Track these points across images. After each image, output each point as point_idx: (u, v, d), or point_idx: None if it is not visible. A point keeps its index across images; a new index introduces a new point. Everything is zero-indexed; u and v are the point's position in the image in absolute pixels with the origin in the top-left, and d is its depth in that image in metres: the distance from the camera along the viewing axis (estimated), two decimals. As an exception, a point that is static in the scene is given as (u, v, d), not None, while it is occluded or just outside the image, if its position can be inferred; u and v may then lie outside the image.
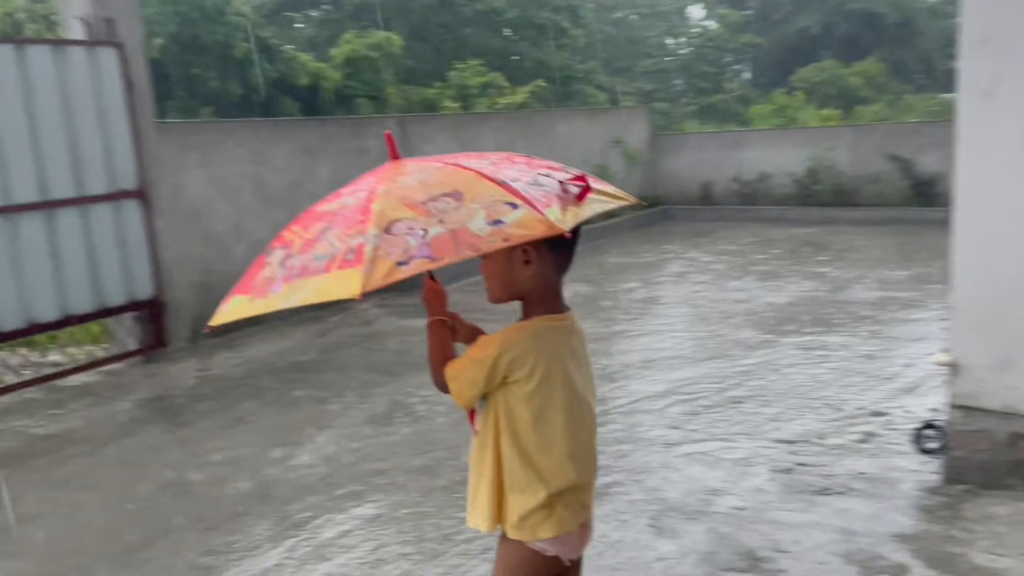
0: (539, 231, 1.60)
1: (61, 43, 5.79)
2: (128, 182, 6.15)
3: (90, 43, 5.92)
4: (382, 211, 1.58)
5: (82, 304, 5.85)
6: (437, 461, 4.10)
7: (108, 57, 6.00)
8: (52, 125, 5.67)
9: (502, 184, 1.66)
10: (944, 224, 3.60)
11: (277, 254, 1.68)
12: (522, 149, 10.18)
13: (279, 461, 4.26)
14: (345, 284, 1.49)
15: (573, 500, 1.90)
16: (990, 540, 3.06)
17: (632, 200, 1.98)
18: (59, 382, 5.86)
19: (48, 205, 5.65)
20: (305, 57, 15.58)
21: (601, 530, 3.27)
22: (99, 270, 5.95)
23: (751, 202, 12.57)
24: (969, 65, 3.30)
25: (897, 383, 4.78)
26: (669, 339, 6.09)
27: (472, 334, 2.01)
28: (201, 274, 6.73)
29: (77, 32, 6.01)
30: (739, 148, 12.83)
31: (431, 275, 1.98)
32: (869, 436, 4.06)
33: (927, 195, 10.74)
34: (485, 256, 1.84)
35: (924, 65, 28.38)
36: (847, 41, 27.43)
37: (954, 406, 3.48)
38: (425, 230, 1.54)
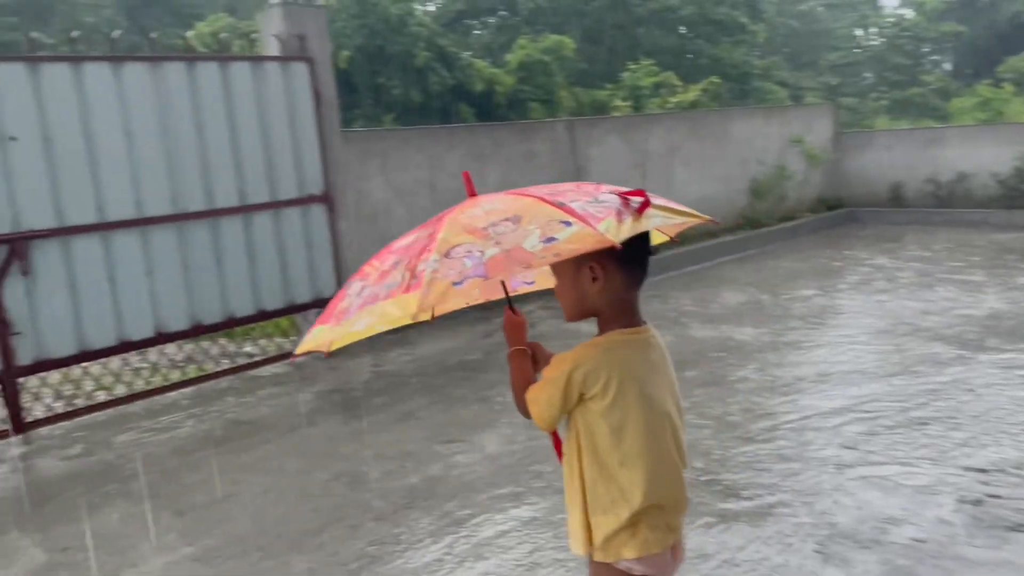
0: (589, 244, 1.62)
1: (258, 59, 6.29)
2: (315, 187, 6.59)
3: (284, 59, 6.39)
4: (445, 239, 1.67)
5: (273, 301, 6.33)
6: (596, 468, 4.08)
7: (299, 71, 6.46)
8: (250, 135, 6.17)
9: (560, 206, 1.70)
10: None
11: (355, 286, 1.83)
12: (693, 150, 9.99)
13: (443, 457, 4.40)
14: (405, 307, 1.61)
15: (659, 522, 1.87)
16: None
17: (704, 219, 1.93)
18: (252, 372, 6.37)
19: (246, 209, 6.16)
20: (481, 63, 16.03)
21: (763, 552, 3.14)
22: (288, 270, 6.41)
23: (947, 204, 11.61)
24: None
25: (1116, 411, 4.25)
26: (848, 352, 5.74)
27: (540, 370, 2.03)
28: (378, 274, 7.08)
29: (273, 48, 6.50)
30: (934, 146, 11.88)
31: (511, 307, 2.06)
32: (1079, 470, 3.64)
33: None
34: (556, 276, 1.90)
35: None
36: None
37: None
38: (482, 251, 1.61)
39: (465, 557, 3.33)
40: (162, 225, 5.73)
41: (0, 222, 5.04)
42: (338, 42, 14.09)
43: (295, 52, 6.48)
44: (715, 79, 16.36)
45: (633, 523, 1.84)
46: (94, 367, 5.77)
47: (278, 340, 6.70)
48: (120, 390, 5.74)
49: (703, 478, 3.86)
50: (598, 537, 1.87)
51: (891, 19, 31.22)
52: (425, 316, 1.61)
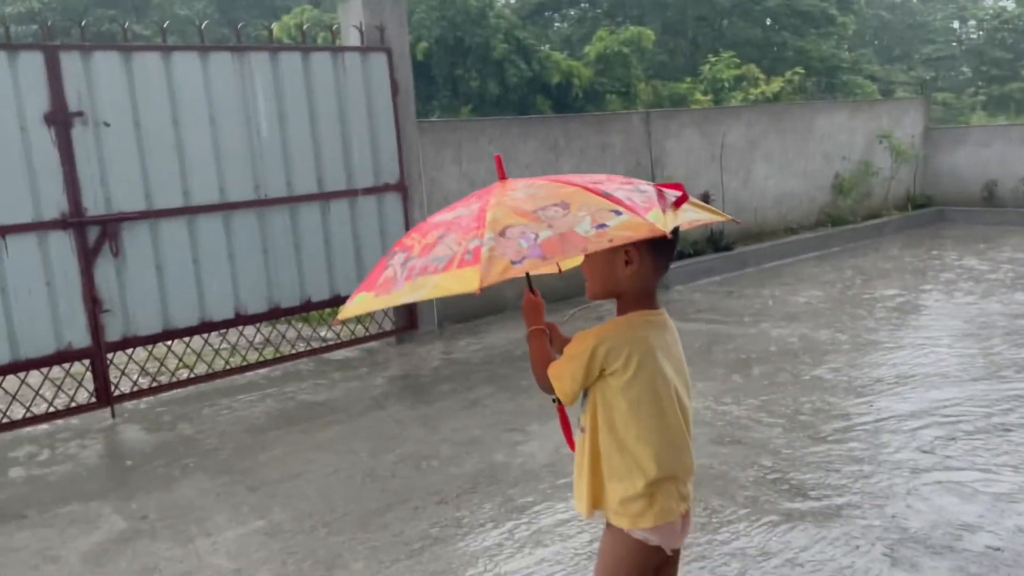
0: (642, 233, 1.71)
1: (339, 49, 6.41)
2: (391, 177, 6.69)
3: (363, 49, 6.51)
4: (495, 219, 1.72)
5: (348, 286, 6.46)
6: (660, 461, 4.04)
7: (378, 61, 6.56)
8: (329, 124, 6.31)
9: (606, 196, 1.78)
10: None
11: (398, 257, 1.86)
12: (774, 144, 9.78)
13: (507, 445, 4.43)
14: (464, 281, 1.64)
15: (673, 490, 1.97)
16: None
17: (727, 217, 2.11)
18: (325, 355, 6.53)
19: (323, 197, 6.31)
20: (559, 56, 15.99)
21: (828, 553, 3.07)
22: (363, 256, 6.54)
23: (1046, 205, 11.05)
24: None
25: None
26: (930, 354, 5.53)
27: (566, 344, 2.08)
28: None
29: (353, 39, 6.63)
30: (1034, 143, 11.31)
31: (531, 288, 2.13)
32: None
33: None
34: (588, 256, 1.95)
35: None
36: None
37: None
38: (536, 234, 1.67)
39: (525, 543, 3.35)
40: (243, 210, 5.91)
41: (94, 204, 5.28)
42: (417, 33, 14.25)
43: (375, 43, 6.59)
44: (799, 70, 15.90)
45: (650, 493, 1.94)
46: (177, 346, 6.01)
47: (351, 326, 6.85)
48: (201, 369, 5.96)
49: (770, 476, 3.79)
50: (613, 501, 1.98)
51: (991, 11, 29.78)
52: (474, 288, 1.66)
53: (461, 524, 3.57)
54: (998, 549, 3.02)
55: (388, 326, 6.89)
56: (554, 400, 2.12)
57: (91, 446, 4.97)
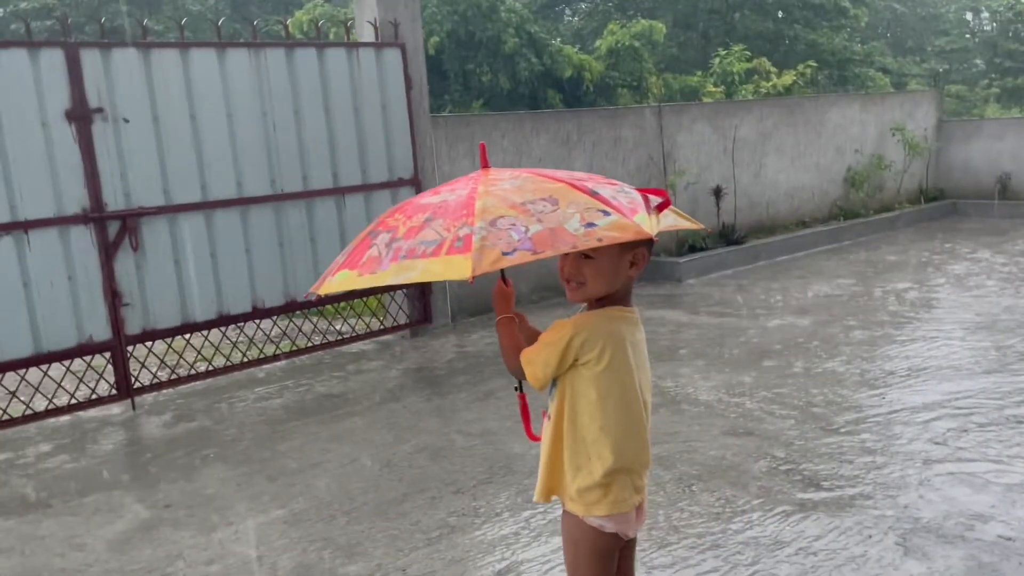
0: (629, 234, 1.75)
1: (353, 45, 6.47)
2: (405, 171, 6.75)
3: (377, 45, 6.56)
4: (485, 208, 1.75)
5: (362, 280, 6.52)
6: (671, 453, 4.09)
7: (392, 57, 6.61)
8: (344, 119, 6.37)
9: (592, 194, 1.82)
10: None
11: (383, 237, 1.85)
12: (786, 137, 9.79)
13: (522, 437, 4.43)
14: (455, 268, 1.66)
15: (628, 482, 2.04)
16: None
17: (699, 226, 2.17)
18: (341, 348, 6.60)
19: (338, 191, 6.37)
20: (570, 49, 15.95)
21: (841, 542, 3.11)
22: (377, 250, 6.59)
23: (1060, 198, 11.01)
24: None
25: None
26: (942, 347, 5.55)
27: (533, 334, 2.16)
28: (464, 257, 7.22)
29: (367, 35, 6.68)
30: (1047, 135, 11.27)
31: (503, 278, 2.17)
32: None
33: None
34: (590, 258, 1.96)
35: None
36: None
37: None
38: (527, 227, 1.70)
39: (541, 532, 3.41)
40: (260, 205, 5.98)
41: (113, 199, 5.36)
42: (428, 28, 14.27)
43: (389, 38, 6.64)
44: (811, 63, 15.83)
45: (606, 483, 2.01)
46: (195, 339, 6.09)
47: (366, 319, 6.91)
48: (219, 361, 6.04)
49: (783, 467, 3.83)
50: (570, 489, 2.05)
51: (1005, 3, 29.54)
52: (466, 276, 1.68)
53: (478, 513, 3.63)
54: (1010, 539, 3.05)
55: (402, 319, 6.96)
56: (516, 388, 2.24)
57: (112, 437, 5.06)
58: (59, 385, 5.38)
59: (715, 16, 21.91)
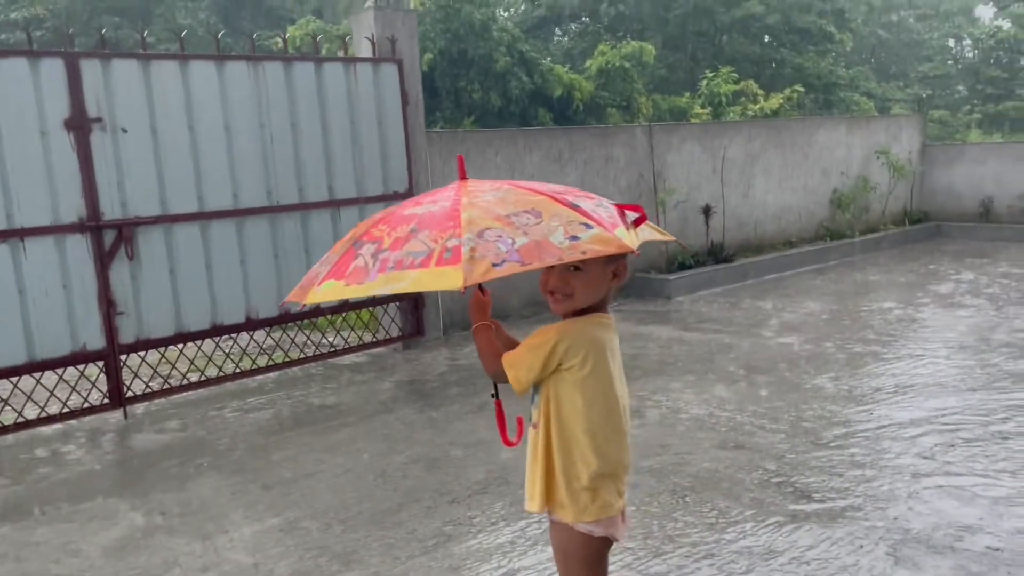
0: (611, 248, 1.81)
1: (351, 60, 6.53)
2: (400, 185, 6.80)
3: (375, 60, 6.63)
4: (472, 219, 1.78)
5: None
6: (664, 465, 4.14)
7: (389, 72, 6.69)
8: (340, 133, 6.42)
9: (574, 207, 1.87)
10: None
11: (368, 247, 1.87)
12: (774, 158, 9.91)
13: (516, 448, 4.51)
14: (445, 279, 1.69)
15: (612, 487, 2.09)
16: None
17: (673, 239, 2.28)
18: (333, 360, 6.62)
19: (334, 204, 6.42)
20: (561, 69, 16.12)
21: (833, 552, 3.16)
22: (371, 263, 6.63)
23: (1041, 221, 11.21)
24: None
25: None
26: (928, 365, 5.64)
27: (510, 342, 2.22)
28: (456, 271, 7.27)
29: (364, 50, 6.75)
30: (1029, 160, 11.49)
31: (481, 288, 2.22)
32: None
33: None
34: (579, 270, 2.03)
35: None
36: None
37: None
38: (513, 239, 1.74)
39: (537, 540, 3.44)
40: (256, 216, 6.02)
41: (110, 208, 5.38)
42: (422, 46, 14.39)
43: (386, 54, 6.72)
44: (798, 88, 16.09)
45: (593, 488, 2.07)
46: (189, 349, 6.09)
47: (358, 332, 6.94)
48: (212, 372, 6.05)
49: (775, 480, 3.89)
50: (560, 496, 2.09)
51: (987, 30, 30.10)
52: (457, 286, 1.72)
53: (473, 523, 3.66)
54: (998, 549, 3.12)
55: (395, 332, 6.99)
56: (493, 395, 2.28)
57: (105, 446, 5.05)
58: (51, 393, 5.37)
59: (703, 39, 22.22)
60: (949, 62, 31.40)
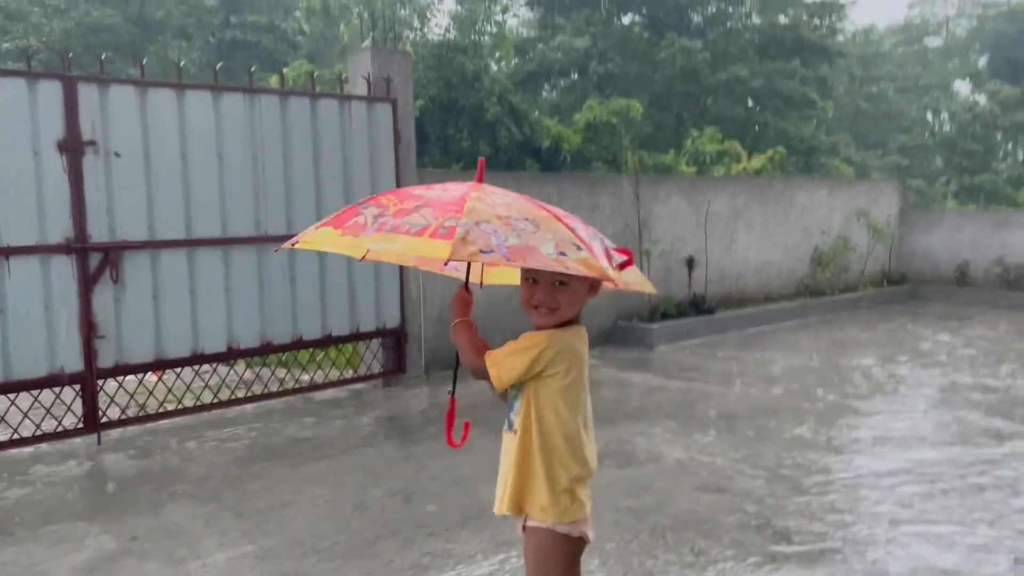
0: (594, 272, 1.93)
1: (346, 97, 6.63)
2: (388, 222, 6.84)
3: (370, 99, 6.73)
4: (474, 210, 1.90)
5: (340, 327, 6.56)
6: (644, 506, 4.13)
7: (383, 111, 6.79)
8: (332, 168, 6.48)
9: (571, 229, 2.01)
10: None
11: (371, 210, 2.01)
12: (757, 215, 10.06)
13: (494, 485, 4.48)
14: (434, 249, 1.80)
15: (584, 490, 2.20)
16: None
17: (652, 290, 2.28)
18: (313, 394, 6.57)
19: (321, 237, 6.43)
20: (550, 121, 16.40)
21: (813, 592, 3.15)
22: (356, 298, 6.64)
23: (1015, 288, 11.43)
24: None
25: None
26: (906, 419, 5.69)
27: (483, 344, 2.29)
28: (440, 310, 7.29)
29: (360, 88, 6.86)
30: (1004, 229, 11.78)
31: (466, 287, 2.33)
32: None
33: None
34: (565, 285, 2.13)
35: None
36: None
37: None
38: (506, 237, 1.85)
39: (517, 572, 3.40)
40: (243, 246, 6.02)
41: (98, 231, 5.37)
42: (414, 92, 14.63)
43: (381, 93, 6.82)
44: (780, 150, 16.44)
45: (571, 490, 2.16)
46: (167, 376, 6.03)
47: (340, 368, 6.90)
48: (189, 401, 5.98)
49: (754, 522, 3.88)
50: (540, 498, 2.16)
51: (964, 104, 31.01)
52: (442, 258, 1.81)
53: (452, 555, 3.62)
54: (975, 594, 3.13)
55: (376, 369, 6.96)
56: (450, 393, 2.42)
57: (78, 470, 4.96)
58: (25, 415, 5.29)
59: (689, 99, 22.71)
60: (927, 134, 32.24)
